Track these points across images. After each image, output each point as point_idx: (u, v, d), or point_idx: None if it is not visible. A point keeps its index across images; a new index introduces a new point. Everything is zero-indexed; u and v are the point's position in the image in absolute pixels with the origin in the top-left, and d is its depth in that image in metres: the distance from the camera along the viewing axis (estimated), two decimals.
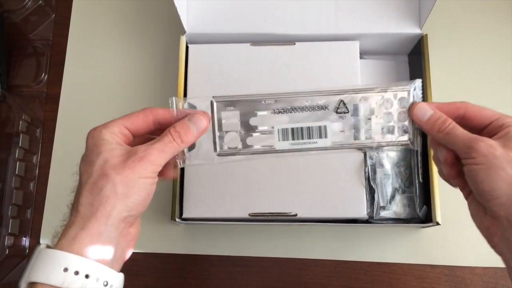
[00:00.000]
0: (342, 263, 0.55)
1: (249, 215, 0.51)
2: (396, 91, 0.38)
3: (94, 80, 0.64)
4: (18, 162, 0.58)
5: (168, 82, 0.62)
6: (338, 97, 0.38)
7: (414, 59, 0.58)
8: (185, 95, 0.54)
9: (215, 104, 0.38)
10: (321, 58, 0.54)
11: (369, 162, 0.53)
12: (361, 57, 0.56)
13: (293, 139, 0.38)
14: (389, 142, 0.38)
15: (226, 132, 0.38)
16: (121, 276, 0.33)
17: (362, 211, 0.50)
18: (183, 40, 0.55)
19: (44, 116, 0.63)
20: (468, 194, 0.35)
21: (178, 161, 0.37)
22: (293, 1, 0.56)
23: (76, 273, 0.29)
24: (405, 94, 0.38)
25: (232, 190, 0.52)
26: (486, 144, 0.31)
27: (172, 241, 0.57)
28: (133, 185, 0.32)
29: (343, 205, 0.51)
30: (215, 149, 0.38)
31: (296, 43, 0.55)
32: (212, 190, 0.52)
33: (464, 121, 0.35)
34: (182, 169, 0.53)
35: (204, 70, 0.55)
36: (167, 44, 0.64)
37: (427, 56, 0.54)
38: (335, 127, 0.38)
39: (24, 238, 0.58)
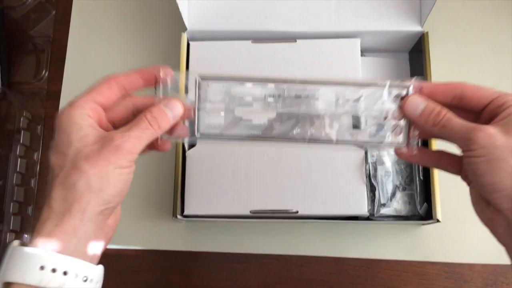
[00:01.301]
0: (343, 259, 0.55)
1: (250, 212, 0.51)
2: (393, 88, 0.34)
3: (94, 77, 0.62)
4: (19, 159, 0.58)
5: None
6: (333, 91, 0.35)
7: (415, 57, 0.58)
8: (186, 92, 0.54)
9: (199, 81, 0.35)
10: (322, 55, 0.54)
11: (370, 159, 0.53)
12: (362, 55, 0.56)
13: (281, 122, 0.35)
14: (381, 142, 0.35)
15: (209, 111, 0.35)
16: (100, 269, 0.31)
17: (363, 208, 0.50)
18: (184, 37, 0.55)
19: (45, 113, 0.63)
20: (470, 182, 0.33)
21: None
22: None
23: (54, 270, 0.28)
24: (403, 91, 0.34)
25: (234, 187, 0.52)
26: (485, 134, 0.29)
27: (174, 238, 0.57)
28: (109, 177, 0.30)
29: (344, 202, 0.51)
30: (196, 131, 0.35)
31: (297, 40, 0.55)
32: (213, 187, 0.52)
33: (462, 102, 0.33)
34: (184, 166, 0.53)
35: (206, 67, 0.55)
36: (169, 41, 0.63)
37: (428, 54, 0.54)
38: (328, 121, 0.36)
39: (26, 235, 0.58)
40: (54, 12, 0.67)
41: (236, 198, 0.51)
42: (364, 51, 0.58)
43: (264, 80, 0.35)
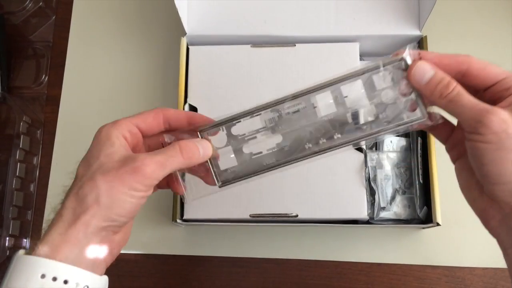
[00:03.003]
0: (343, 264, 0.55)
1: (250, 216, 0.51)
2: (388, 65, 0.31)
3: (94, 82, 0.64)
4: (18, 164, 0.58)
5: (168, 84, 0.62)
6: (328, 92, 0.33)
7: None
8: (186, 96, 0.54)
9: (200, 136, 0.35)
10: (321, 60, 0.55)
11: (369, 163, 0.53)
12: (361, 59, 0.56)
13: (290, 142, 0.34)
14: (400, 124, 0.32)
15: (217, 157, 0.35)
16: (104, 279, 0.32)
17: (362, 212, 0.50)
18: (184, 41, 0.56)
19: (45, 117, 0.63)
20: (457, 157, 0.31)
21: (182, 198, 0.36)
22: (293, 3, 0.56)
23: (54, 279, 0.28)
24: (401, 64, 0.31)
25: (233, 191, 0.51)
26: (499, 119, 0.26)
27: (173, 242, 0.57)
28: (119, 197, 0.30)
29: (343, 206, 0.51)
30: (216, 181, 0.36)
31: (296, 44, 0.55)
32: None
33: (465, 79, 0.30)
34: None
35: (205, 72, 0.55)
36: (168, 45, 0.64)
37: None
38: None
39: (25, 240, 0.58)
40: (54, 17, 0.67)
41: (235, 202, 0.51)
42: (363, 55, 0.58)
43: (257, 110, 0.34)
